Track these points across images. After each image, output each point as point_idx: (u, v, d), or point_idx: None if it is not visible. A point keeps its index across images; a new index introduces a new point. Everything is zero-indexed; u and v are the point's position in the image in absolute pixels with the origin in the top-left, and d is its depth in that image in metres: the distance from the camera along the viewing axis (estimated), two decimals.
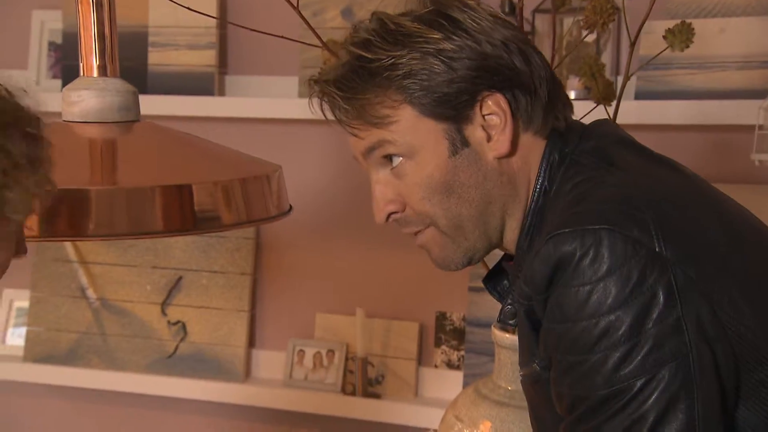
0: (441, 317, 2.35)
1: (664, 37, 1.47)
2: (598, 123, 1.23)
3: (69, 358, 2.57)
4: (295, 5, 1.44)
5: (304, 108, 2.31)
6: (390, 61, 1.12)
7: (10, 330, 2.67)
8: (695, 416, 0.99)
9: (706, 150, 2.00)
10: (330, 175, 2.37)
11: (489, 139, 1.15)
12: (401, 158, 1.16)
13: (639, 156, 1.18)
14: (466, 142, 1.15)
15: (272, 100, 2.36)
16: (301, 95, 2.33)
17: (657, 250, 1.01)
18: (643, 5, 1.46)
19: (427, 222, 1.18)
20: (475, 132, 1.15)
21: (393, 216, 1.20)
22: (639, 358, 0.99)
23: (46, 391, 2.60)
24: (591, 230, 1.02)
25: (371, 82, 1.14)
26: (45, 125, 1.09)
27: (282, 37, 1.57)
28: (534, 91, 1.16)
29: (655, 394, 0.99)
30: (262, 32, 1.57)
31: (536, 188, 1.17)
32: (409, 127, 1.14)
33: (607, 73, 1.55)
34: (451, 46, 1.12)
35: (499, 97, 1.14)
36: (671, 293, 1.00)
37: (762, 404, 1.05)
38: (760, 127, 1.86)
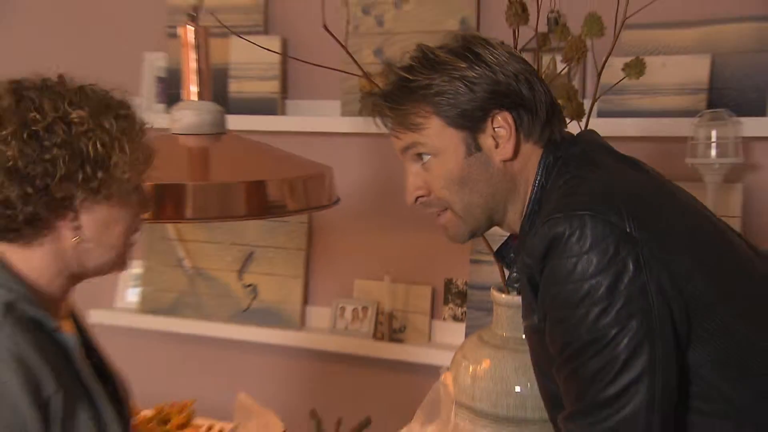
0: (448, 282, 2.33)
1: (623, 69, 1.46)
2: (584, 133, 1.23)
3: (170, 310, 2.59)
4: (344, 45, 1.44)
5: (345, 124, 2.33)
6: (425, 82, 1.13)
7: (128, 290, 2.69)
8: (655, 356, 1.00)
9: (653, 156, 1.97)
10: (364, 174, 2.36)
11: (497, 146, 1.15)
12: (429, 156, 1.16)
13: (615, 159, 1.18)
14: (479, 147, 1.15)
15: (321, 118, 2.35)
16: (342, 114, 2.32)
17: (628, 231, 1.01)
18: (603, 45, 1.45)
19: (444, 205, 1.19)
20: (486, 140, 1.15)
21: (420, 199, 1.20)
22: (614, 312, 0.99)
23: (153, 335, 2.62)
24: (578, 215, 1.02)
25: (410, 98, 1.14)
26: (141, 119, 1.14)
27: (330, 68, 1.56)
28: (535, 112, 1.16)
29: (625, 340, 0.99)
30: (314, 64, 1.56)
31: (535, 184, 1.17)
32: (436, 133, 1.15)
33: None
34: (473, 74, 1.12)
35: (507, 115, 1.14)
36: (638, 264, 1.00)
37: (708, 348, 1.05)
38: (692, 139, 1.86)
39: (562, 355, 1.05)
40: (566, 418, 1.07)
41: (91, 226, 1.08)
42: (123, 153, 1.06)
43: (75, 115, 1.04)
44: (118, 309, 2.67)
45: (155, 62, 2.57)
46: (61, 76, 1.09)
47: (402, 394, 2.32)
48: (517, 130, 1.15)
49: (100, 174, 1.04)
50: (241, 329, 2.49)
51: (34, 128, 1.03)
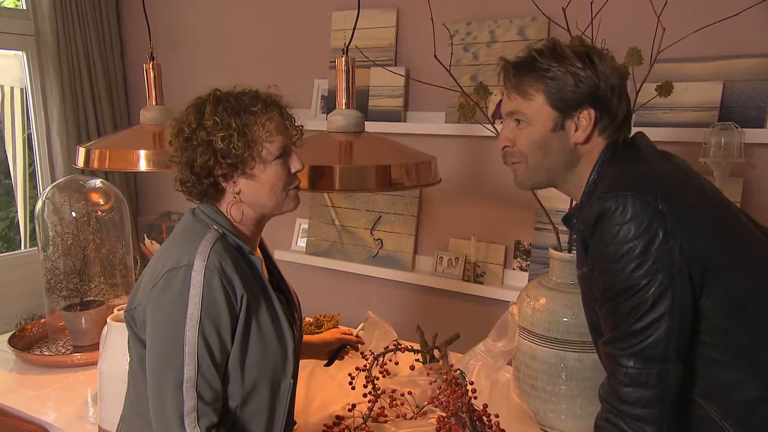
0: (518, 243, 2.26)
1: (655, 89, 1.35)
2: (636, 134, 1.13)
3: (326, 253, 2.63)
4: (448, 68, 1.40)
5: (447, 128, 2.28)
6: (546, 66, 1.04)
7: (299, 238, 2.75)
8: (675, 301, 0.93)
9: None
10: (459, 164, 2.31)
11: (576, 130, 1.06)
12: (525, 122, 1.08)
13: (655, 155, 1.09)
14: (562, 127, 1.07)
15: (431, 124, 2.31)
16: (446, 122, 2.27)
17: (660, 208, 0.94)
18: (641, 73, 1.36)
19: (521, 158, 1.10)
20: (570, 124, 1.06)
21: (506, 148, 1.12)
22: (645, 267, 0.93)
23: (315, 270, 2.67)
24: (622, 194, 0.95)
25: (532, 73, 1.06)
26: (273, 109, 1.07)
27: (439, 86, 1.53)
28: (615, 117, 1.07)
29: (653, 288, 0.93)
30: (429, 83, 1.53)
31: (594, 168, 1.08)
32: (537, 107, 1.06)
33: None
34: (583, 74, 1.04)
35: (592, 111, 1.05)
36: (666, 232, 0.93)
37: (715, 297, 0.97)
38: (705, 144, 1.74)
39: (604, 297, 0.99)
40: (604, 342, 1.01)
41: (246, 189, 1.07)
42: (244, 143, 1.03)
43: (209, 122, 1.03)
44: (293, 251, 2.73)
45: (321, 86, 2.59)
46: (216, 90, 1.08)
47: (481, 320, 2.28)
48: (595, 125, 1.06)
49: (229, 160, 1.03)
50: (371, 269, 2.50)
51: (185, 135, 1.05)
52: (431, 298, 2.43)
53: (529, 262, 2.22)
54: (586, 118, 1.05)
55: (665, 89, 1.32)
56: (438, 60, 1.36)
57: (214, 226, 1.07)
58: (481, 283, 2.30)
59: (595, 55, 1.05)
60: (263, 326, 1.06)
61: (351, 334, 1.46)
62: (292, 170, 1.10)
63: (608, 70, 1.05)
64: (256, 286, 1.07)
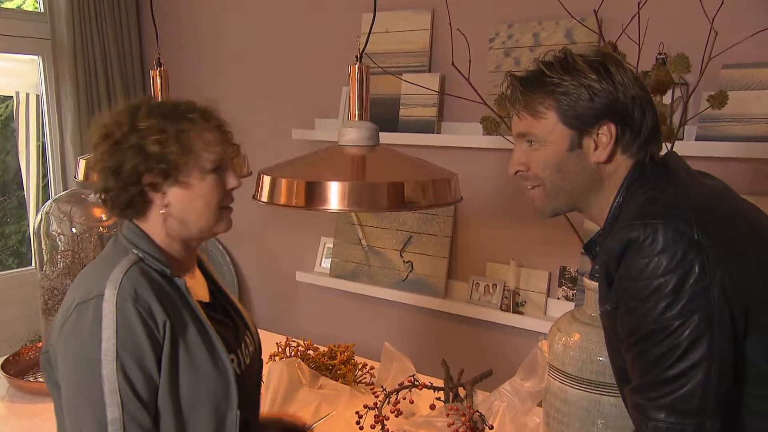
0: (563, 269, 2.23)
1: (707, 99, 1.32)
2: (667, 154, 1.10)
3: (351, 276, 2.65)
4: (467, 77, 1.40)
5: (485, 141, 2.27)
6: (557, 80, 1.03)
7: (323, 259, 2.78)
8: (713, 346, 0.90)
9: (742, 173, 1.79)
10: (499, 181, 2.29)
11: (595, 148, 1.05)
12: (537, 143, 1.08)
13: (690, 176, 1.05)
14: (580, 146, 1.05)
15: (467, 136, 2.30)
16: (483, 134, 2.25)
17: (696, 238, 0.90)
18: (707, 81, 1.32)
19: (539, 183, 1.09)
20: (588, 142, 1.05)
21: (519, 173, 1.11)
22: (678, 307, 0.90)
23: (338, 293, 2.70)
24: (651, 223, 0.92)
25: (541, 89, 1.05)
26: (211, 120, 1.08)
27: (462, 97, 1.53)
28: (638, 132, 1.04)
29: (687, 331, 0.89)
30: (461, 98, 1.53)
31: (619, 191, 1.06)
32: (550, 126, 1.05)
33: (676, 123, 1.41)
34: (599, 86, 1.02)
35: (612, 126, 1.03)
36: (703, 267, 0.89)
37: (761, 339, 0.93)
38: None
39: (630, 339, 0.96)
40: (631, 390, 0.98)
41: (176, 202, 1.07)
42: (179, 148, 1.04)
43: (143, 124, 1.05)
44: (316, 272, 2.77)
45: (349, 94, 2.64)
46: (149, 96, 1.10)
47: (518, 355, 2.24)
48: (617, 141, 1.04)
49: (162, 165, 1.04)
50: (400, 294, 2.50)
51: (114, 138, 1.05)
52: (464, 329, 2.41)
53: (575, 291, 2.18)
54: (605, 134, 1.03)
55: (718, 100, 1.29)
56: (456, 68, 1.37)
57: (134, 250, 1.07)
58: (521, 313, 2.27)
59: (612, 65, 1.03)
60: (194, 353, 1.05)
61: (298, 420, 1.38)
62: (228, 186, 1.11)
63: (627, 80, 1.03)
64: (183, 312, 1.07)
